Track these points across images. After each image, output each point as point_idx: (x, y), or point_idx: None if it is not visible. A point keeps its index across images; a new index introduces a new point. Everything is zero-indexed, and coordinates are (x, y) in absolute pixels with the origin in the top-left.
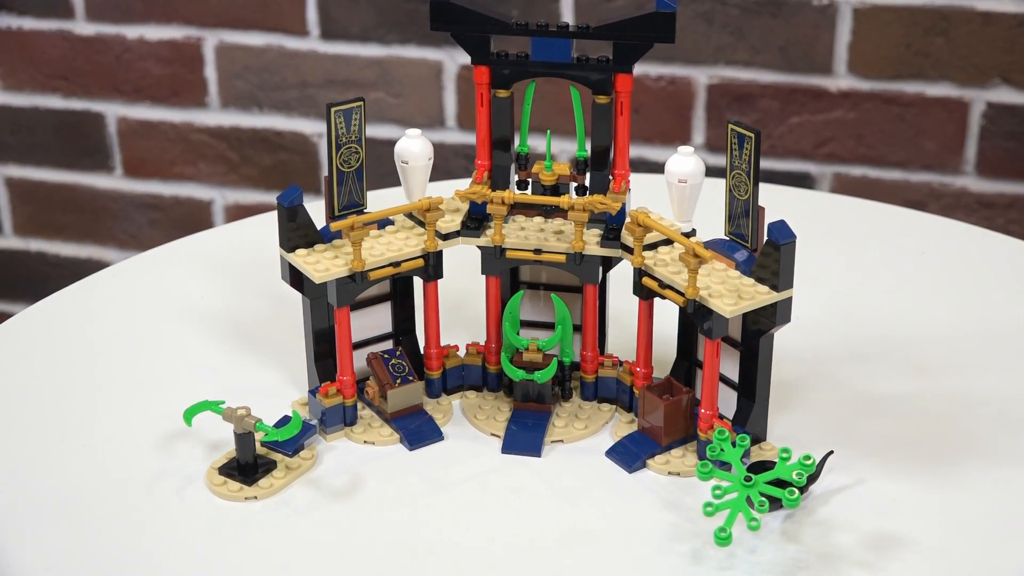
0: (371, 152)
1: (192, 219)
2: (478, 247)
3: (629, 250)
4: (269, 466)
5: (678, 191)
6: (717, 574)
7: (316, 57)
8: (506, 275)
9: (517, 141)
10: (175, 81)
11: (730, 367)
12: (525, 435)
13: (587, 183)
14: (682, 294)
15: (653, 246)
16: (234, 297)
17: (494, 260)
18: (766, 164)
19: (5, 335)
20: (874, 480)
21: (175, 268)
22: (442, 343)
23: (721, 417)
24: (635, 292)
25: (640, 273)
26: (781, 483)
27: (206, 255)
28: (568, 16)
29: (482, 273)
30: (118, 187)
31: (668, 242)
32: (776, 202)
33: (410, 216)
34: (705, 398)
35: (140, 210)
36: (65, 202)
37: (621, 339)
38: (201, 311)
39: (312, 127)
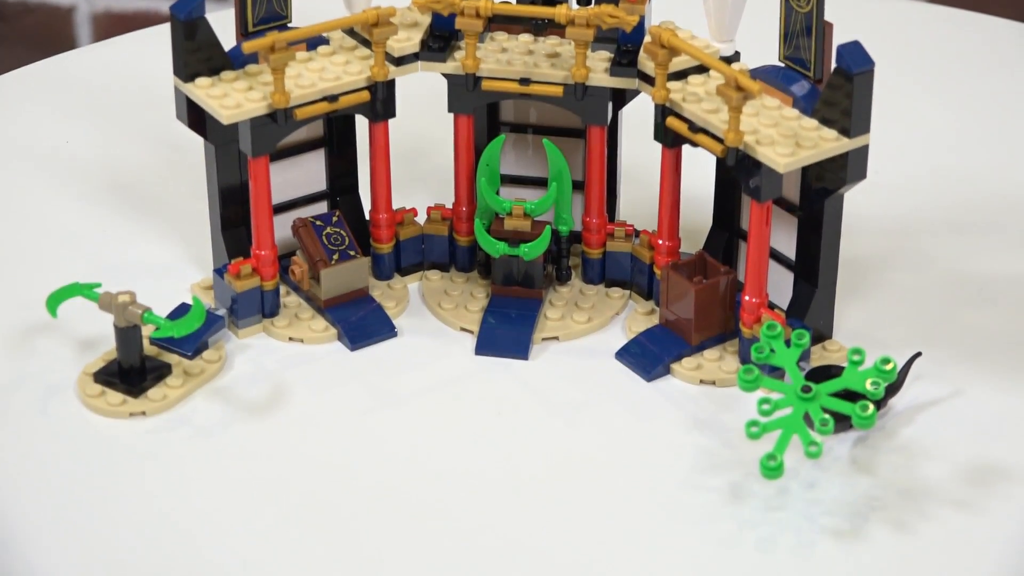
0: None
1: (48, 34)
2: (444, 75)
3: (649, 80)
4: (161, 371)
5: (716, 0)
6: (764, 515)
7: None
8: (482, 113)
9: None
10: None
11: (784, 240)
12: (507, 330)
13: None
14: (720, 140)
15: (682, 75)
16: (110, 143)
17: (465, 93)
18: None
19: None
20: (975, 391)
21: (27, 103)
22: (395, 206)
23: (771, 307)
24: (656, 137)
25: (664, 112)
26: (851, 395)
27: (69, 84)
28: None
29: (449, 111)
30: None
31: (703, 70)
32: (852, 16)
33: (351, 33)
34: (750, 281)
35: None
36: None
37: (638, 201)
38: (65, 162)
39: None
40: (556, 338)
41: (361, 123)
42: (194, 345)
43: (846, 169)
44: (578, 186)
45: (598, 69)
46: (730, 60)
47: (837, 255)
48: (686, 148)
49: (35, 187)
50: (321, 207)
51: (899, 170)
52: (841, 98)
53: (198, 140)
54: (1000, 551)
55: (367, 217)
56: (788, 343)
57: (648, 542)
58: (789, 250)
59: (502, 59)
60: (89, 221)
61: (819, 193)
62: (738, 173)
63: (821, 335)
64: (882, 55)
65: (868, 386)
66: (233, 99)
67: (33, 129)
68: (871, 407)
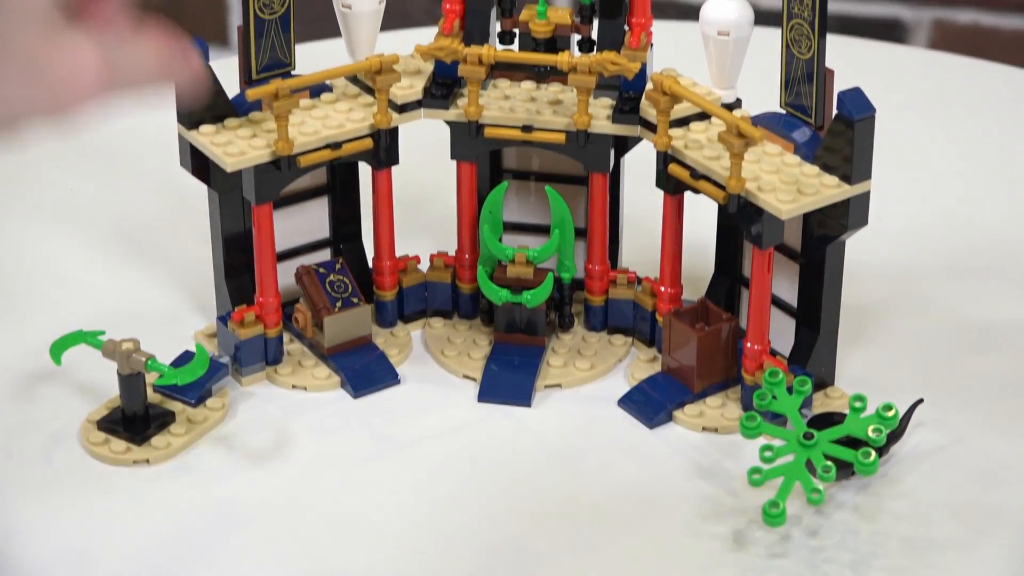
0: None
1: None
2: (447, 123)
3: (651, 127)
4: (165, 419)
5: (718, 47)
6: (766, 563)
7: None
8: (484, 161)
9: None
10: None
11: (786, 287)
12: (510, 378)
13: (594, 35)
14: (722, 187)
15: (684, 122)
16: (114, 190)
17: (468, 140)
18: (842, 7)
19: None
20: (977, 438)
21: (30, 151)
22: (398, 253)
23: (773, 354)
24: (659, 184)
25: (666, 159)
26: (853, 442)
27: (74, 131)
28: None
29: (452, 158)
30: None
31: (704, 117)
32: (852, 62)
33: (354, 80)
34: (752, 328)
35: None
36: None
37: (640, 248)
38: (69, 209)
39: None
40: (559, 385)
41: (364, 170)
42: (198, 393)
43: (847, 216)
44: (580, 233)
45: (600, 116)
46: (732, 107)
47: (839, 302)
48: (688, 195)
49: (39, 234)
50: (324, 254)
51: (901, 216)
52: (842, 144)
53: (202, 187)
54: None
55: (370, 264)
56: (790, 390)
57: None
58: (791, 297)
59: (505, 106)
60: (94, 268)
61: (821, 240)
62: (740, 220)
63: (823, 382)
64: (883, 101)
65: (870, 433)
66: (237, 146)
67: (37, 177)
68: (873, 454)
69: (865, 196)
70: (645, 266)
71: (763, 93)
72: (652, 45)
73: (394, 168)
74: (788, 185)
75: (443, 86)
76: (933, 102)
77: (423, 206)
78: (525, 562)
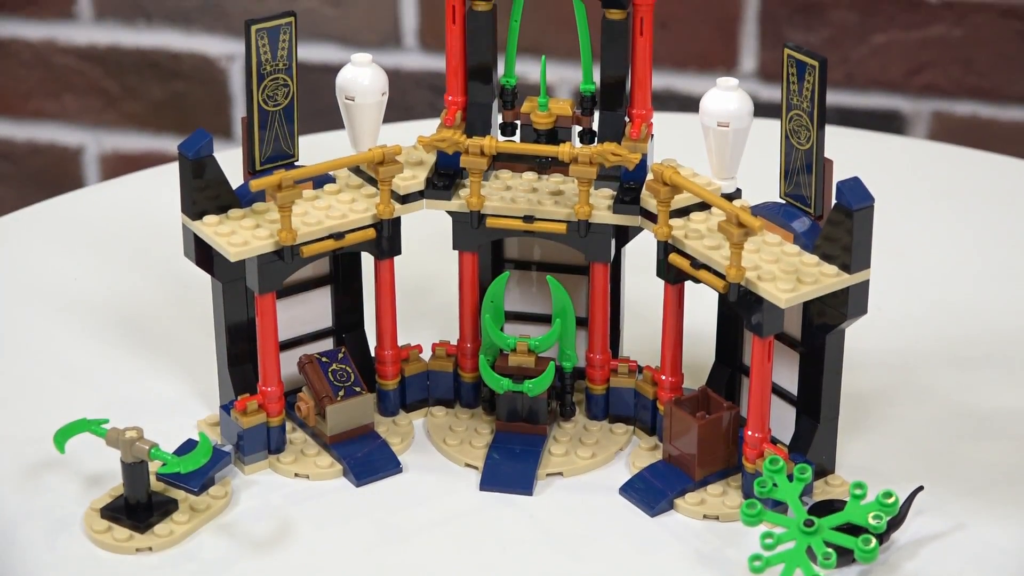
0: (304, 82)
1: (55, 174)
2: (448, 213)
3: (652, 217)
4: (168, 507)
5: (718, 138)
6: None
7: None
8: (486, 251)
9: (501, 70)
10: None
11: (787, 375)
12: (512, 466)
13: (595, 127)
14: (722, 276)
15: (684, 212)
16: (118, 280)
17: (470, 230)
18: (842, 99)
19: None
20: (977, 526)
21: (36, 241)
22: (400, 342)
23: (774, 442)
24: (659, 274)
25: (666, 248)
26: (853, 529)
27: (77, 222)
28: None
29: (454, 248)
30: None
31: (704, 207)
32: (852, 153)
33: (357, 171)
34: (752, 416)
35: None
36: None
37: (641, 337)
38: (73, 299)
39: (220, 47)
40: (560, 473)
41: (367, 260)
42: (200, 481)
43: (847, 304)
44: (582, 322)
45: (601, 206)
46: (732, 197)
47: (839, 390)
48: (689, 284)
49: (43, 323)
50: (327, 344)
51: (900, 305)
52: (842, 234)
53: (205, 277)
54: None
55: (372, 353)
56: (791, 477)
57: None
58: (791, 385)
59: (506, 197)
60: (98, 357)
61: (820, 328)
62: (740, 309)
63: (823, 469)
64: (882, 191)
65: (870, 520)
66: (240, 236)
67: (41, 266)
68: (873, 541)
69: (864, 285)
70: (646, 355)
71: (763, 183)
72: (653, 136)
73: (396, 258)
74: (788, 274)
75: (445, 177)
76: (932, 192)
77: (425, 295)
78: None
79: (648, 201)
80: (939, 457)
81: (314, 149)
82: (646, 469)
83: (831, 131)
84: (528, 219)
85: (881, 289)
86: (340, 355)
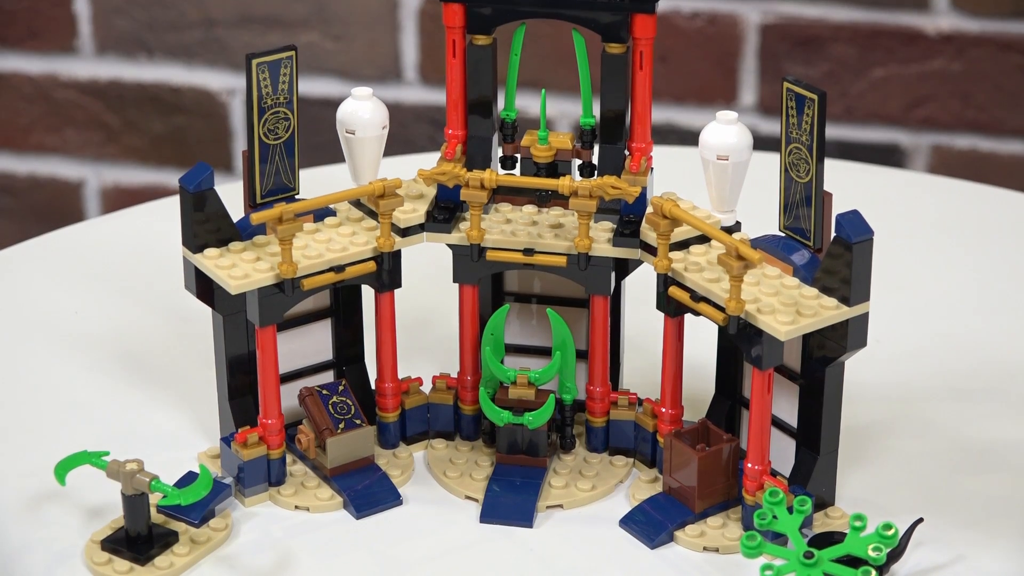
0: (305, 116)
1: (56, 207)
2: (449, 246)
3: (651, 250)
4: (168, 539)
5: (717, 171)
6: None
7: None
8: (486, 284)
9: (501, 104)
10: (33, 18)
11: (786, 407)
12: (512, 499)
13: (595, 160)
14: (722, 309)
15: (683, 245)
16: (119, 313)
17: (470, 264)
18: (841, 133)
19: None
20: (976, 557)
21: (36, 274)
22: (400, 375)
23: (774, 474)
24: (659, 307)
25: (666, 281)
26: (853, 561)
27: (78, 256)
28: None
29: (454, 281)
30: None
31: (704, 239)
32: (851, 186)
33: (357, 204)
34: (752, 449)
35: None
36: None
37: (641, 369)
38: (74, 332)
39: (221, 81)
40: (560, 506)
41: (367, 293)
42: (201, 513)
43: (847, 337)
44: (582, 355)
45: (601, 239)
46: (731, 230)
47: (839, 422)
48: (688, 317)
49: (44, 356)
50: (327, 376)
51: (899, 337)
52: (841, 267)
53: (206, 310)
54: None
55: (373, 386)
56: (791, 510)
57: None
58: (791, 417)
59: (506, 230)
60: (98, 390)
61: (820, 361)
62: (740, 341)
63: (823, 502)
64: (882, 224)
65: (870, 552)
66: (241, 269)
67: (42, 300)
68: (873, 573)
69: (864, 317)
70: (646, 387)
71: (762, 216)
72: (652, 169)
73: (397, 291)
74: (787, 307)
75: (445, 210)
76: (931, 225)
77: (425, 328)
78: None
79: (648, 234)
80: (939, 489)
81: (315, 182)
82: (646, 501)
83: (830, 164)
84: (528, 252)
85: (880, 322)
86: (340, 388)
